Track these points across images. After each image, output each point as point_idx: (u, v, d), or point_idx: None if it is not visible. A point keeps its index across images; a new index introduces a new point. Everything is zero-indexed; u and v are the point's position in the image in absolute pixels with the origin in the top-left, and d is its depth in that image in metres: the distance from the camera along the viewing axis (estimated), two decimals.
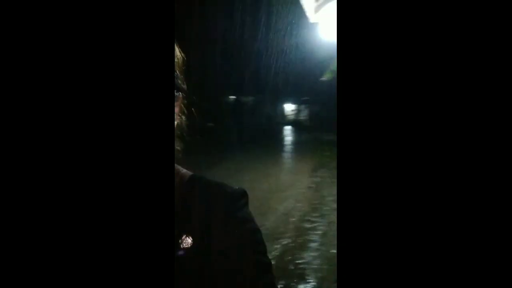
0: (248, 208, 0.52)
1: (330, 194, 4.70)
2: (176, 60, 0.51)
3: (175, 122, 0.53)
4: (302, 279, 2.60)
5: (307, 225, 3.75)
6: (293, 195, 4.77)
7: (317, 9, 4.95)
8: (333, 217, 3.87)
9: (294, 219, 3.97)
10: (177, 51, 0.52)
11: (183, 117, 0.59)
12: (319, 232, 3.63)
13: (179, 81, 0.52)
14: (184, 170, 0.56)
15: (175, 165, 0.57)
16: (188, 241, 0.46)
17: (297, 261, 2.78)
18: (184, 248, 0.45)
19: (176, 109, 0.53)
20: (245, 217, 0.50)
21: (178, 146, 0.61)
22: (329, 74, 6.48)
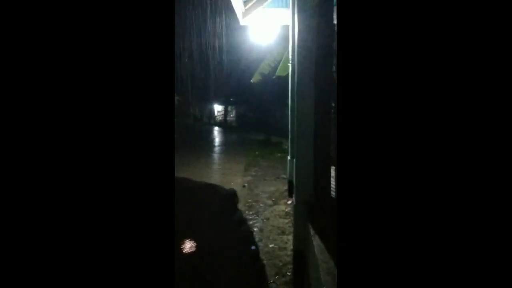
0: (239, 209, 0.53)
1: (264, 192, 4.88)
2: None
3: None
4: None
5: None
6: None
7: (245, 14, 5.06)
8: (268, 213, 4.01)
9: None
10: None
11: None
12: (256, 228, 3.74)
13: None
14: None
15: None
16: (191, 246, 0.46)
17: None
18: (184, 254, 0.45)
19: None
20: (239, 219, 0.51)
21: None
22: (258, 76, 6.69)
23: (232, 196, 0.52)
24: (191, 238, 0.46)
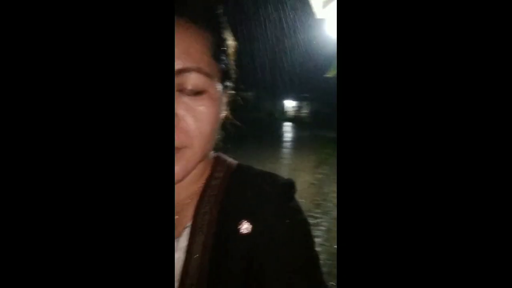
0: (296, 199, 0.52)
1: (334, 191, 4.72)
2: (231, 49, 0.50)
3: (225, 113, 0.53)
4: None
5: (310, 221, 3.75)
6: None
7: (324, 4, 4.92)
8: (336, 213, 3.89)
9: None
10: (231, 39, 0.51)
11: (229, 106, 0.59)
12: (323, 228, 3.65)
13: (232, 71, 0.51)
14: (230, 159, 0.56)
15: (221, 154, 0.58)
16: (248, 227, 0.46)
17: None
18: (241, 234, 0.45)
19: (227, 100, 0.53)
20: (296, 208, 0.49)
21: (219, 135, 0.62)
22: (333, 71, 6.45)
23: (289, 185, 0.51)
24: (246, 220, 0.46)
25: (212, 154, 0.56)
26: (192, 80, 0.40)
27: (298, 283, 0.44)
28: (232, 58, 0.51)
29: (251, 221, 0.46)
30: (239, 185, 0.50)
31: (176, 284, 0.43)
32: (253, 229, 0.46)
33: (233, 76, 0.53)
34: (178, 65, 0.39)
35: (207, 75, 0.42)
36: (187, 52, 0.40)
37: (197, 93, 0.41)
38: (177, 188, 0.50)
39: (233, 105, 0.60)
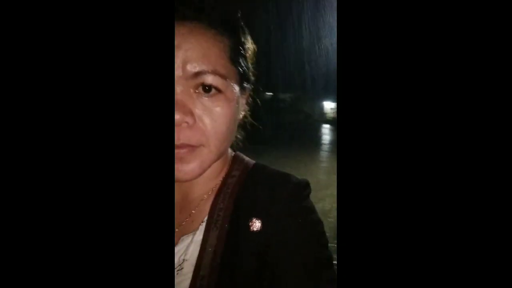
0: (310, 199, 0.52)
1: None
2: (250, 52, 0.52)
3: (243, 114, 0.55)
4: None
5: None
6: (331, 195, 4.69)
7: None
8: None
9: (331, 219, 3.91)
10: (250, 42, 0.53)
11: (248, 107, 0.61)
12: None
13: (251, 73, 0.53)
14: (247, 158, 0.58)
15: (240, 153, 0.60)
16: (257, 225, 0.47)
17: (335, 262, 2.73)
18: (251, 231, 0.47)
19: (245, 101, 0.55)
20: (308, 207, 0.49)
21: (239, 135, 0.63)
22: None
23: (302, 185, 0.51)
24: (258, 217, 0.48)
25: (231, 153, 0.58)
26: (209, 81, 0.42)
27: (308, 282, 0.44)
28: (250, 61, 0.53)
29: (262, 219, 0.47)
30: (253, 184, 0.51)
31: (190, 274, 0.45)
32: (263, 227, 0.47)
33: (252, 78, 0.55)
34: (195, 68, 0.42)
35: (223, 77, 0.44)
36: (204, 55, 0.42)
37: (214, 94, 0.44)
38: (196, 184, 0.53)
39: (252, 106, 0.62)
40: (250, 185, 0.51)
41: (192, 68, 0.42)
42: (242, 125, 0.63)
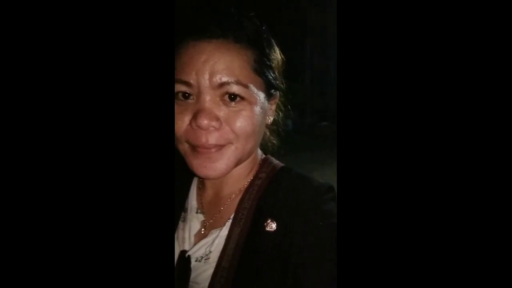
0: (335, 203, 0.52)
1: None
2: (276, 62, 0.55)
3: (272, 118, 0.58)
4: None
5: None
6: None
7: None
8: None
9: None
10: (277, 53, 0.56)
11: (280, 113, 0.64)
12: None
13: (277, 81, 0.56)
14: (276, 162, 0.60)
15: (270, 156, 0.62)
16: (272, 225, 0.50)
17: None
18: (266, 231, 0.49)
19: (273, 106, 0.58)
20: (329, 211, 0.50)
21: (274, 140, 0.66)
22: None
23: (325, 189, 0.51)
24: (277, 218, 0.50)
25: (261, 155, 0.61)
26: (232, 90, 0.48)
27: (324, 284, 0.44)
28: (277, 70, 0.56)
29: (281, 220, 0.50)
30: (277, 186, 0.54)
31: (214, 264, 0.50)
32: (281, 228, 0.49)
33: (281, 86, 0.58)
34: (220, 79, 0.47)
35: (245, 86, 0.48)
36: (228, 67, 0.47)
37: (238, 101, 0.49)
38: (226, 183, 0.57)
39: (284, 111, 0.65)
40: (273, 187, 0.54)
41: (217, 79, 0.47)
42: (275, 131, 0.66)
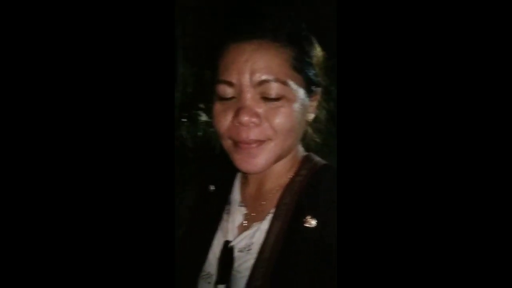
0: None
1: None
2: (316, 58, 0.56)
3: (313, 115, 0.59)
4: None
5: None
6: None
7: None
8: None
9: None
10: (318, 50, 0.57)
11: (324, 111, 0.64)
12: None
13: (318, 78, 0.57)
14: (317, 158, 0.61)
15: (312, 154, 0.63)
16: (312, 222, 0.51)
17: None
18: (305, 227, 0.51)
19: (314, 103, 0.58)
20: None
21: (317, 138, 0.66)
22: None
23: None
24: (314, 216, 0.50)
25: (303, 153, 0.62)
26: (271, 87, 0.50)
27: None
28: (318, 66, 0.56)
29: (320, 217, 0.50)
30: (317, 184, 0.55)
31: (255, 255, 0.52)
32: (320, 225, 0.50)
33: (321, 82, 0.58)
34: (260, 77, 0.49)
35: (284, 83, 0.50)
36: (268, 66, 0.50)
37: (277, 98, 0.51)
38: (268, 179, 0.59)
39: (326, 108, 0.64)
40: (314, 185, 0.55)
41: (257, 77, 0.49)
42: (318, 128, 0.66)
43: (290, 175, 0.58)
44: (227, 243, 0.57)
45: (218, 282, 0.55)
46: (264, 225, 0.54)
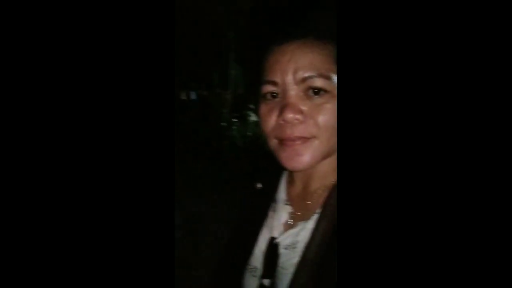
0: None
1: None
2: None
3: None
4: None
5: None
6: None
7: None
8: None
9: None
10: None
11: None
12: None
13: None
14: None
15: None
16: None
17: None
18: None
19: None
20: None
21: None
22: None
23: None
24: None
25: None
26: (315, 84, 0.51)
27: None
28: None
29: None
30: None
31: (300, 253, 0.53)
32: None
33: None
34: (303, 74, 0.51)
35: (328, 78, 0.51)
36: (311, 63, 0.51)
37: (322, 94, 0.51)
38: (315, 178, 0.60)
39: None
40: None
41: (300, 74, 0.51)
42: None
43: (335, 175, 0.58)
44: (272, 239, 0.59)
45: (263, 276, 0.57)
46: (310, 224, 0.55)
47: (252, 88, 0.60)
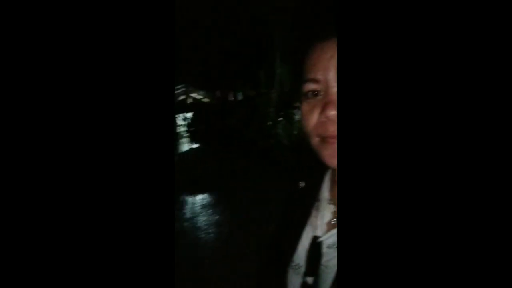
0: None
1: None
2: None
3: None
4: None
5: None
6: None
7: None
8: None
9: None
10: None
11: None
12: None
13: None
14: None
15: None
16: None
17: None
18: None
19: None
20: None
21: None
22: None
23: None
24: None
25: None
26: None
27: None
28: None
29: None
30: None
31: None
32: None
33: None
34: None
35: None
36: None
37: None
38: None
39: None
40: None
41: None
42: None
43: None
44: (315, 238, 0.58)
45: (306, 274, 0.57)
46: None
47: (297, 87, 0.60)
